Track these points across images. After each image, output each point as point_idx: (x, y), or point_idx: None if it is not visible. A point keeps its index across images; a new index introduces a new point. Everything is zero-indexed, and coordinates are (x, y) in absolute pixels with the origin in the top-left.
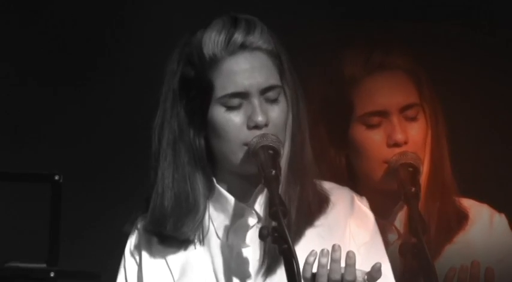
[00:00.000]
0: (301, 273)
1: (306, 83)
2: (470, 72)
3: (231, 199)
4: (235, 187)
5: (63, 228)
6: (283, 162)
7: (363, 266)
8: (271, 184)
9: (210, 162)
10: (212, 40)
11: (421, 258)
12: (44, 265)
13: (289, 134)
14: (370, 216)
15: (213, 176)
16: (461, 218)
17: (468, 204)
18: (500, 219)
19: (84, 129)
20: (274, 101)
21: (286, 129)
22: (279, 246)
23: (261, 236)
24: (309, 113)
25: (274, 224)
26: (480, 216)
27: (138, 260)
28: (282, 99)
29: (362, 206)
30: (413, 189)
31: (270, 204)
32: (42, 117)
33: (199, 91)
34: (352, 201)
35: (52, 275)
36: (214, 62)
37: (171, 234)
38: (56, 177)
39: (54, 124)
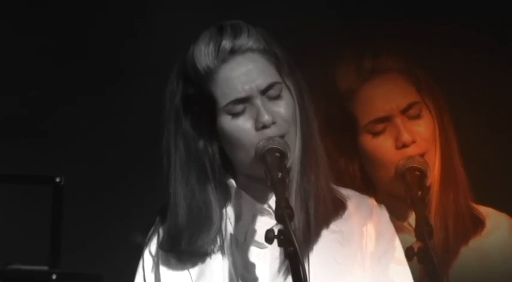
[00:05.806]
0: (307, 276)
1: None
2: (470, 71)
3: (250, 200)
4: (254, 190)
5: (64, 231)
6: (296, 154)
7: (384, 276)
8: (277, 187)
9: (229, 167)
10: (202, 53)
11: (427, 263)
12: (46, 267)
13: (299, 126)
14: (390, 224)
15: (232, 179)
16: (477, 221)
17: (486, 211)
18: None
19: (86, 131)
20: (277, 97)
21: (296, 122)
22: (285, 249)
23: (267, 238)
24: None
25: (280, 226)
26: (499, 224)
27: (156, 261)
28: (285, 94)
29: (381, 214)
30: (419, 193)
31: (276, 207)
32: (44, 119)
33: (202, 105)
34: (371, 209)
35: (54, 277)
36: (209, 74)
37: (187, 249)
38: (57, 179)
39: (56, 126)
